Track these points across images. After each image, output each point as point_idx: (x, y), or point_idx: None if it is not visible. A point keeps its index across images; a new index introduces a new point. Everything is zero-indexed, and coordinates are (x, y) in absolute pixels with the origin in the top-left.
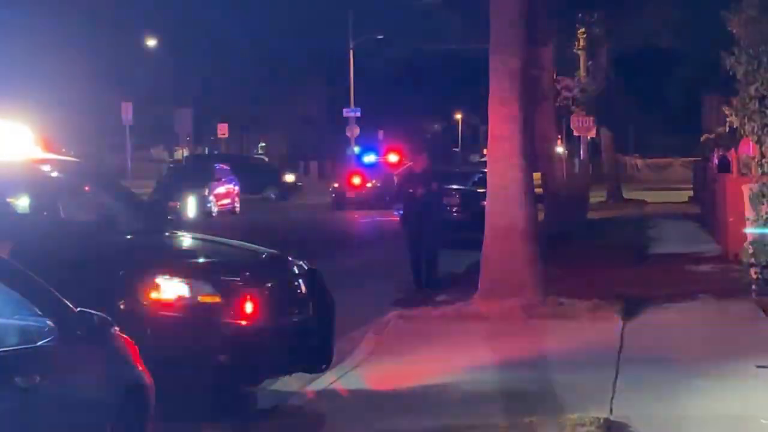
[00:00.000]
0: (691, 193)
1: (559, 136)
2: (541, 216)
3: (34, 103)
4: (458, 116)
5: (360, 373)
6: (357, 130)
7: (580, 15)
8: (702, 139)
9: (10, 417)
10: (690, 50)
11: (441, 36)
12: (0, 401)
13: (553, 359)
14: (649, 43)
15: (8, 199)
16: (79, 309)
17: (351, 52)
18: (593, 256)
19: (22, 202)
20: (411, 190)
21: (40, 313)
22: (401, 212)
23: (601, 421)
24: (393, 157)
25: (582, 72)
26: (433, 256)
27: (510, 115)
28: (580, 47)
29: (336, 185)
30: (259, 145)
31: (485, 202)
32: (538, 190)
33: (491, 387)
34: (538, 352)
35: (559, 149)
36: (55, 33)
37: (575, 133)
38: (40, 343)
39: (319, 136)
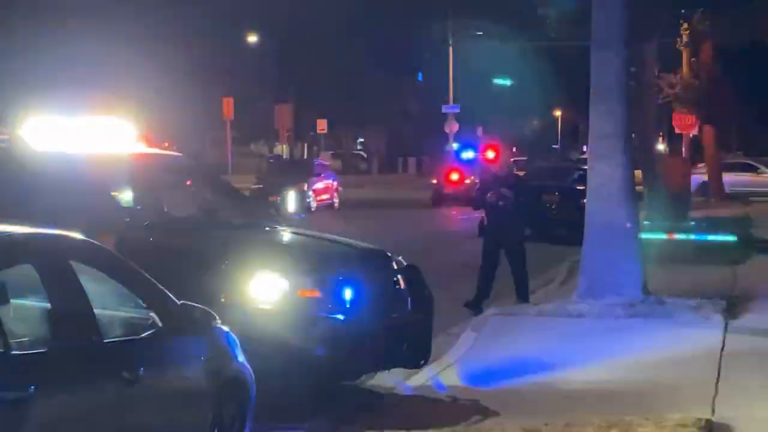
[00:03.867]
0: None
1: (661, 134)
2: (642, 214)
3: (138, 99)
4: (558, 113)
5: (458, 369)
6: (456, 127)
7: (683, 10)
8: None
9: (114, 406)
10: None
11: (542, 31)
12: (105, 391)
13: (654, 358)
14: (754, 39)
15: (113, 193)
16: (181, 302)
17: (450, 47)
18: (696, 254)
19: (126, 196)
20: (490, 196)
21: (144, 305)
22: (482, 222)
23: (703, 422)
24: (491, 154)
25: (685, 68)
26: (520, 275)
27: (611, 112)
28: (683, 43)
29: (434, 181)
30: (358, 140)
31: (585, 200)
32: (639, 188)
33: (589, 386)
34: (637, 351)
35: (661, 147)
36: (158, 29)
37: (677, 131)
38: (143, 335)
39: (418, 132)
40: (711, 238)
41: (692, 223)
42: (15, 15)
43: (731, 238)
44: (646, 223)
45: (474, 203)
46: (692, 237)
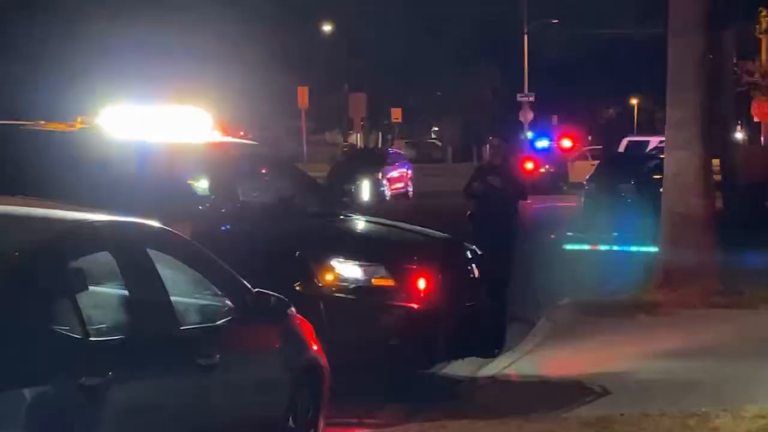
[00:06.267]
0: None
1: (739, 122)
2: (719, 204)
3: (213, 88)
4: (634, 101)
5: (532, 359)
6: (531, 115)
7: None
8: None
9: (190, 393)
10: None
11: (617, 19)
12: (181, 378)
13: (731, 349)
14: None
15: (189, 181)
16: (256, 290)
17: (525, 36)
18: None
19: (202, 184)
20: (477, 186)
21: (219, 293)
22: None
23: None
24: (566, 143)
25: (764, 56)
26: (502, 282)
27: (689, 100)
28: (762, 30)
29: None
30: (432, 129)
31: (661, 190)
32: (717, 177)
33: (666, 376)
34: (715, 342)
35: (739, 135)
36: (233, 18)
37: (756, 119)
38: (219, 322)
39: (492, 120)
40: None
41: None
42: (92, 5)
43: None
44: None
45: (465, 191)
46: None
